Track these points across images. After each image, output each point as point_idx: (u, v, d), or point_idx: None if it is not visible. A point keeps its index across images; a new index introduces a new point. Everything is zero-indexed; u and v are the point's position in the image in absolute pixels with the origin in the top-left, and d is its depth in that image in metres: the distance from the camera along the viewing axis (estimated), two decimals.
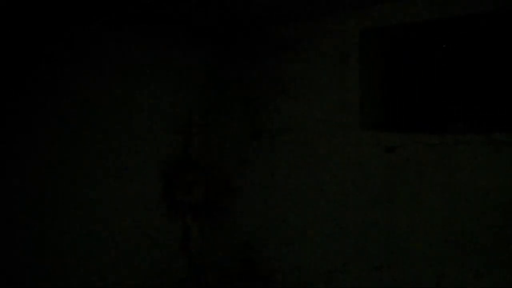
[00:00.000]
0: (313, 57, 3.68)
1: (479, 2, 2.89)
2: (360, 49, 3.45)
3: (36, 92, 3.19)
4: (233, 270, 4.13)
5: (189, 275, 4.10)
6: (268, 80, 3.97)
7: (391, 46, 3.73)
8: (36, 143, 3.19)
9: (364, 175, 3.40)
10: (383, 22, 3.34)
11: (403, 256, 3.21)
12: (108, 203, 3.59)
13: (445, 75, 3.61)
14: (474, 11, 2.91)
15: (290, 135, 3.81)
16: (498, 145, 2.87)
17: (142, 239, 3.82)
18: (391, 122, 3.69)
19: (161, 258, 3.98)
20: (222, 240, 4.22)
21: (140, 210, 3.80)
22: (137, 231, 3.78)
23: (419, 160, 3.17)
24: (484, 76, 3.42)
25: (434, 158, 3.12)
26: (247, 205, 4.07)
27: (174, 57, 4.09)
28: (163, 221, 3.97)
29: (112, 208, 3.61)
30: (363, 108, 3.47)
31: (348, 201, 3.47)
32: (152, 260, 3.90)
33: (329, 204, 3.57)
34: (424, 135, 3.18)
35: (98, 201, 3.53)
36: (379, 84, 3.69)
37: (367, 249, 3.37)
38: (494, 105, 3.38)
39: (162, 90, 3.98)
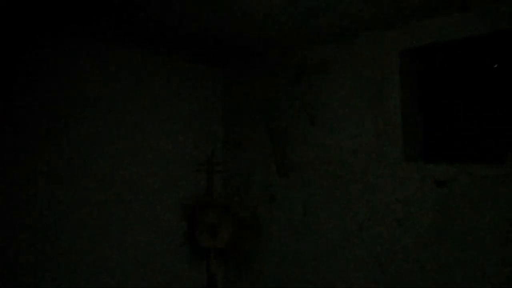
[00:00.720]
0: (345, 81, 3.34)
1: None
2: (400, 71, 3.09)
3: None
4: None
5: None
6: (295, 108, 3.63)
7: (431, 67, 3.35)
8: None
9: (410, 213, 2.98)
10: (427, 40, 2.97)
11: None
12: (127, 248, 3.28)
13: (496, 96, 3.21)
14: None
15: (323, 169, 3.44)
16: None
17: (165, 286, 3.47)
18: (435, 152, 3.28)
19: None
20: (250, 286, 3.82)
21: (161, 256, 3.47)
22: (159, 278, 3.44)
23: (475, 195, 2.75)
24: None
25: (492, 193, 2.70)
26: (277, 247, 3.68)
27: (191, 92, 3.83)
28: (185, 267, 3.62)
29: (130, 254, 3.30)
30: (406, 137, 3.08)
31: (393, 243, 3.06)
32: None
33: (370, 247, 3.16)
34: (479, 166, 2.77)
35: (116, 245, 3.22)
36: (419, 110, 3.31)
37: None
38: None
39: (181, 127, 3.70)
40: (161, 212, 3.51)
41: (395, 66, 3.09)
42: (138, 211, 3.38)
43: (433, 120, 3.36)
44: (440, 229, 2.86)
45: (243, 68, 4.04)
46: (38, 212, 2.88)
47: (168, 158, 3.61)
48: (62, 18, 2.80)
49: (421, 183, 2.95)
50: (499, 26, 2.66)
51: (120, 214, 3.28)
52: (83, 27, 2.95)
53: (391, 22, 2.97)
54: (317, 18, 2.89)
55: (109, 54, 3.28)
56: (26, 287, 2.78)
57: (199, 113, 3.92)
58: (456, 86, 3.31)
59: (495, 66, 3.17)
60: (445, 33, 2.88)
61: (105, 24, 2.92)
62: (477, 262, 2.71)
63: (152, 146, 3.50)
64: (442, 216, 2.85)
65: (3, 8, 2.58)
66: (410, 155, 3.11)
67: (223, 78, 4.18)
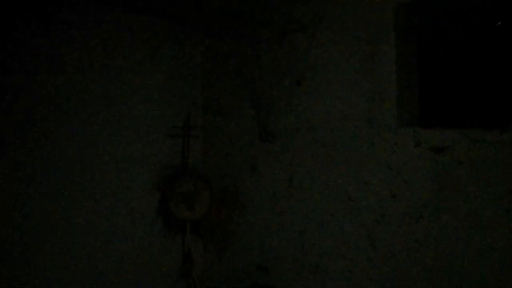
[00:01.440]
0: (335, 40, 3.03)
1: None
2: (395, 28, 2.79)
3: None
4: None
5: None
6: (280, 70, 3.32)
7: (430, 24, 3.07)
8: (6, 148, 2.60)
9: (405, 183, 2.73)
10: None
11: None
12: (94, 222, 2.98)
13: (499, 60, 2.95)
14: None
15: (310, 135, 3.15)
16: None
17: (136, 263, 3.19)
18: (433, 118, 3.02)
19: (158, 284, 3.34)
20: (229, 262, 3.56)
21: (132, 229, 3.17)
22: (129, 253, 3.15)
23: (476, 162, 2.50)
24: None
25: (495, 160, 2.45)
26: (259, 220, 3.41)
27: (166, 49, 3.49)
28: (159, 241, 3.33)
29: (98, 229, 3.00)
30: (400, 100, 2.81)
31: (385, 216, 2.81)
32: (148, 286, 3.26)
33: (360, 220, 2.91)
34: (480, 131, 2.52)
35: (82, 219, 2.92)
36: (415, 72, 3.03)
37: (409, 275, 2.70)
38: None
39: (153, 87, 3.37)
40: (133, 182, 3.20)
41: (390, 23, 2.79)
42: (108, 181, 3.06)
43: (431, 83, 3.10)
44: (438, 200, 2.62)
45: (224, 28, 3.70)
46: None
47: (141, 124, 3.29)
48: None
49: (417, 149, 2.69)
50: None
51: (88, 185, 2.96)
52: None
53: None
54: None
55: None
56: None
57: (178, 77, 3.59)
58: (457, 47, 3.04)
59: (498, 24, 2.91)
60: None
61: None
62: (476, 236, 2.47)
63: (123, 111, 3.17)
64: (440, 186, 2.61)
65: None
66: (405, 120, 2.84)
67: (203, 40, 3.84)
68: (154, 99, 3.38)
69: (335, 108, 3.03)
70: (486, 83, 2.99)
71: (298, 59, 3.21)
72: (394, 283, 2.77)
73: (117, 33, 3.12)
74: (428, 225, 2.64)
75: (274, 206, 3.33)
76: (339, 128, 3.01)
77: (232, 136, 3.60)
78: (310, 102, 3.15)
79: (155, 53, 3.38)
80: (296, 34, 3.24)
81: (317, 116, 3.12)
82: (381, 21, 2.82)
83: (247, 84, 3.53)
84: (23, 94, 2.69)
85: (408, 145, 2.72)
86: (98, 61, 3.03)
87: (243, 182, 3.49)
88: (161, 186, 3.22)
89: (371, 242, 2.85)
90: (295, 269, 3.21)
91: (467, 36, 2.97)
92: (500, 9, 2.86)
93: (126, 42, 3.19)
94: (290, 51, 3.27)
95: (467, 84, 3.04)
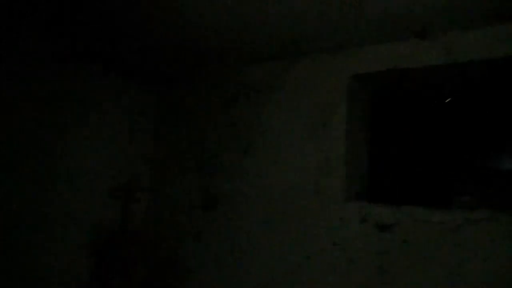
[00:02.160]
0: (287, 106, 3.00)
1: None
2: (348, 98, 2.78)
3: None
4: None
5: None
6: (229, 135, 3.25)
7: (382, 96, 3.09)
8: None
9: (350, 259, 2.64)
10: (379, 66, 2.67)
11: None
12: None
13: (447, 135, 2.97)
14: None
15: (256, 203, 3.05)
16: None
17: None
18: (380, 192, 2.99)
19: None
20: None
21: None
22: None
23: (420, 241, 2.45)
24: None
25: (437, 239, 2.41)
26: None
27: (121, 110, 3.38)
28: None
29: None
30: (349, 173, 2.76)
31: None
32: None
33: None
34: (425, 210, 2.48)
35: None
36: (366, 143, 3.02)
37: None
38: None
39: (100, 141, 3.22)
40: (68, 241, 2.98)
41: (342, 93, 2.79)
42: (42, 241, 2.84)
43: (381, 156, 3.09)
44: (382, 279, 2.53)
45: (177, 87, 3.64)
46: None
47: (83, 179, 3.11)
48: None
49: (363, 226, 2.62)
50: (454, 57, 2.42)
51: (22, 240, 2.73)
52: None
53: (341, 44, 2.67)
54: (258, 33, 2.56)
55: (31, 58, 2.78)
56: None
57: (128, 134, 3.46)
58: (408, 120, 3.05)
59: (448, 100, 2.95)
60: (400, 59, 2.60)
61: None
62: None
63: (68, 165, 3.00)
64: (384, 264, 2.53)
65: None
66: (353, 193, 2.80)
67: (158, 100, 3.76)
68: (100, 154, 3.23)
69: (284, 176, 2.96)
70: (434, 159, 3.00)
71: (248, 124, 3.15)
72: None
73: (60, 83, 2.99)
74: None
75: (218, 273, 3.17)
76: (286, 197, 2.93)
77: (176, 202, 3.46)
78: (258, 170, 3.07)
79: (102, 105, 3.26)
80: (247, 97, 3.20)
81: (264, 184, 3.03)
82: (333, 91, 2.81)
83: (195, 148, 3.43)
84: None
85: (354, 221, 2.66)
86: (51, 113, 2.89)
87: (186, 250, 3.32)
88: (98, 249, 3.01)
89: None
90: None
91: (419, 111, 2.99)
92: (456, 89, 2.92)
93: (73, 93, 3.06)
94: (240, 116, 3.21)
95: (415, 158, 3.04)
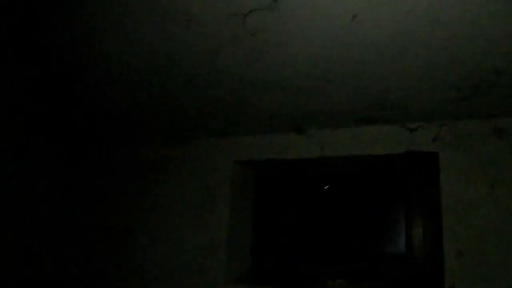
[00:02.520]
0: (180, 188, 3.08)
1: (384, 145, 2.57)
2: (232, 182, 2.92)
3: None
4: None
5: None
6: (126, 210, 3.26)
7: (265, 184, 3.28)
8: None
9: None
10: (260, 154, 2.87)
11: None
12: None
13: (326, 222, 3.20)
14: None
15: (143, 283, 3.03)
16: None
17: None
18: (261, 271, 3.10)
19: None
20: None
21: None
22: None
23: None
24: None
25: None
26: None
27: None
28: None
29: None
30: (232, 254, 2.85)
31: None
32: None
33: None
34: None
35: None
36: (250, 225, 3.16)
37: None
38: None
39: None
40: None
41: (227, 177, 2.93)
42: None
43: (264, 237, 3.23)
44: None
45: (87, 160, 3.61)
46: None
47: None
48: None
49: None
50: (329, 152, 2.67)
51: None
52: None
53: (227, 132, 2.86)
54: (154, 120, 2.67)
55: None
56: None
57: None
58: (289, 205, 3.25)
59: (325, 187, 3.20)
60: (280, 150, 2.81)
61: None
62: None
63: None
64: None
65: None
66: (235, 276, 2.88)
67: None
68: None
69: (169, 256, 2.98)
70: (315, 243, 3.19)
71: (145, 204, 3.18)
72: None
73: None
74: None
75: None
76: (172, 277, 2.94)
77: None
78: (144, 248, 3.08)
79: None
80: (144, 178, 3.24)
81: (150, 263, 3.04)
82: (219, 175, 2.94)
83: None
84: None
85: None
86: None
87: None
88: None
89: None
90: None
91: (299, 195, 3.21)
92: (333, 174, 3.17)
93: None
94: (137, 194, 3.23)
95: (298, 238, 3.22)
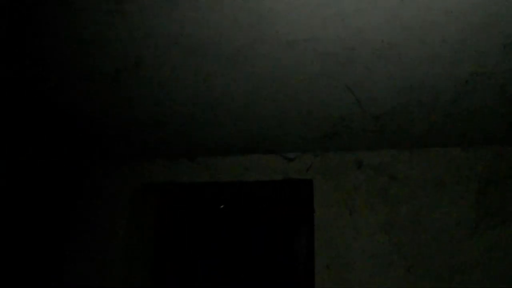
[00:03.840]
0: (86, 213, 3.16)
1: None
2: (131, 207, 3.06)
3: None
4: None
5: None
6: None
7: (166, 206, 3.47)
8: None
9: None
10: (158, 178, 3.05)
11: None
12: None
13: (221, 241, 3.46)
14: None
15: None
16: None
17: None
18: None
19: None
20: None
21: None
22: None
23: None
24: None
25: None
26: None
27: None
28: None
29: None
30: (129, 278, 3.00)
31: None
32: None
33: None
34: None
35: None
36: (151, 245, 3.32)
37: None
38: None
39: None
40: None
41: (126, 203, 3.07)
42: None
43: (166, 258, 3.41)
44: None
45: None
46: None
47: None
48: None
49: None
50: (219, 178, 2.92)
51: None
52: None
53: (123, 159, 3.01)
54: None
55: None
56: None
57: None
58: (188, 226, 3.46)
59: (221, 207, 3.46)
60: (174, 175, 3.01)
61: None
62: None
63: None
64: None
65: None
66: None
67: None
68: None
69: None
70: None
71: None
72: None
73: None
74: None
75: None
76: None
77: None
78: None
79: None
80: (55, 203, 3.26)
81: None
82: (119, 201, 3.08)
83: None
84: None
85: None
86: None
87: None
88: None
89: None
90: None
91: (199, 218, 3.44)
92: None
93: None
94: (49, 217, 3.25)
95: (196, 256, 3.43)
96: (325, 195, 2.68)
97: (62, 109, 2.10)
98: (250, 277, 3.51)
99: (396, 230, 2.55)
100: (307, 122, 2.27)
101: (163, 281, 3.28)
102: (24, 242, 2.98)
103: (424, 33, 1.49)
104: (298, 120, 2.24)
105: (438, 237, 2.50)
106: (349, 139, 2.50)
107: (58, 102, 1.97)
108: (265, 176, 2.82)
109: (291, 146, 2.64)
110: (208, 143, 2.63)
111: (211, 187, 3.08)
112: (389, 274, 2.51)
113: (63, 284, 3.03)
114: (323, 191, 2.69)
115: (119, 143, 2.68)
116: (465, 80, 1.80)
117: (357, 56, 1.62)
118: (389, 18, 1.41)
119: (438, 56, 1.63)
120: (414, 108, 2.08)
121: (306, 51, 1.58)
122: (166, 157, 2.97)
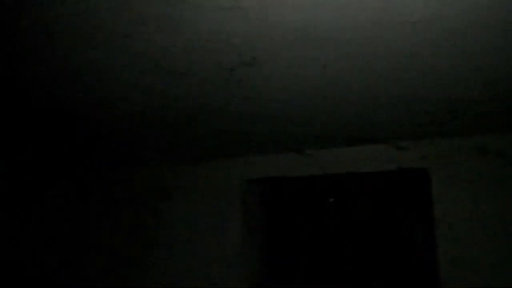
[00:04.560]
0: (192, 206, 3.32)
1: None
2: (242, 199, 3.16)
3: None
4: None
5: None
6: (134, 230, 3.52)
7: (275, 197, 3.50)
8: None
9: None
10: (268, 172, 3.09)
11: None
12: None
13: (334, 231, 3.40)
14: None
15: None
16: None
17: None
18: (275, 279, 3.31)
19: None
20: None
21: None
22: None
23: None
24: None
25: None
26: None
27: None
28: None
29: None
30: (244, 262, 3.09)
31: None
32: None
33: None
34: None
35: None
36: (261, 236, 3.38)
37: None
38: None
39: None
40: None
41: (237, 194, 3.15)
42: None
43: (279, 249, 3.45)
44: None
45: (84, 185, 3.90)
46: None
47: None
48: None
49: None
50: (329, 170, 2.87)
51: None
52: None
53: (236, 153, 3.09)
54: (158, 140, 2.90)
55: None
56: None
57: None
58: (297, 217, 3.46)
59: (331, 200, 3.40)
60: (283, 169, 3.03)
61: None
62: None
63: None
64: None
65: None
66: (247, 279, 3.09)
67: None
68: None
69: (191, 267, 3.23)
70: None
71: (155, 220, 3.43)
72: None
73: None
74: None
75: None
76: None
77: None
78: (170, 262, 3.33)
79: None
80: (156, 198, 3.49)
81: (174, 275, 3.29)
82: (230, 192, 3.18)
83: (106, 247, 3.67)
84: None
85: None
86: None
87: None
88: None
89: None
90: None
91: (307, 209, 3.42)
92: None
93: None
94: (149, 213, 3.49)
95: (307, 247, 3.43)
96: (443, 184, 2.50)
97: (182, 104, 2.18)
98: (363, 272, 3.40)
99: None
100: (421, 107, 2.12)
101: (276, 276, 3.32)
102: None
103: None
104: (412, 104, 2.10)
105: None
106: (469, 123, 2.29)
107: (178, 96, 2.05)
108: (376, 167, 2.72)
109: (402, 133, 2.50)
110: (318, 134, 2.59)
111: (320, 179, 3.04)
112: None
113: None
114: (441, 180, 2.51)
115: (231, 137, 2.73)
116: None
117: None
118: None
119: None
120: None
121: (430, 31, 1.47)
122: (275, 150, 2.99)
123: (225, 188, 3.21)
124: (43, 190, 3.81)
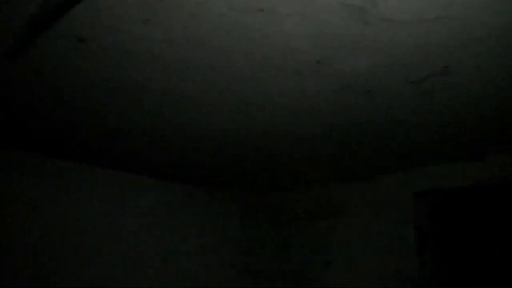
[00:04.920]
0: (362, 223, 3.30)
1: None
2: (415, 211, 3.06)
3: None
4: None
5: None
6: (311, 250, 3.56)
7: (444, 211, 3.28)
8: None
9: None
10: (441, 184, 2.98)
11: None
12: None
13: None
14: None
15: None
16: None
17: None
18: None
19: None
20: None
21: None
22: None
23: None
24: None
25: None
26: None
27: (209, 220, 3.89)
28: None
29: None
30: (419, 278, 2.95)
31: None
32: None
33: None
34: None
35: None
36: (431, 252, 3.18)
37: None
38: None
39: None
40: None
41: (408, 208, 3.07)
42: None
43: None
44: None
45: (260, 197, 4.06)
46: None
47: None
48: None
49: None
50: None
51: None
52: None
53: (406, 165, 3.02)
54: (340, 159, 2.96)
55: None
56: None
57: (215, 243, 3.91)
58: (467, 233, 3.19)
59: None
60: (459, 179, 2.87)
61: None
62: None
63: None
64: None
65: None
66: None
67: (242, 205, 4.18)
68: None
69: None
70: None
71: (328, 239, 3.47)
72: None
73: None
74: None
75: None
76: None
77: None
78: (340, 282, 3.32)
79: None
80: (326, 215, 3.53)
81: None
82: (400, 206, 3.11)
83: (279, 259, 3.76)
84: None
85: None
86: None
87: None
88: None
89: None
90: None
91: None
92: None
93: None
94: (319, 231, 3.52)
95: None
96: None
97: None
98: None
99: None
100: None
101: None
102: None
103: None
104: None
105: None
106: None
107: None
108: None
109: None
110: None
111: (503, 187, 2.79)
112: None
113: None
114: None
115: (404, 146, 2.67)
116: None
117: None
118: None
119: None
120: None
121: None
122: (447, 160, 2.84)
123: (396, 202, 3.13)
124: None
